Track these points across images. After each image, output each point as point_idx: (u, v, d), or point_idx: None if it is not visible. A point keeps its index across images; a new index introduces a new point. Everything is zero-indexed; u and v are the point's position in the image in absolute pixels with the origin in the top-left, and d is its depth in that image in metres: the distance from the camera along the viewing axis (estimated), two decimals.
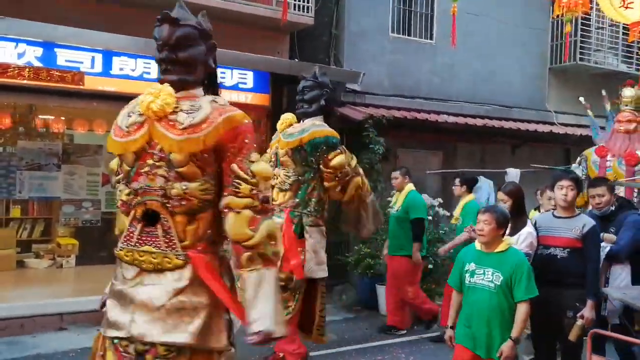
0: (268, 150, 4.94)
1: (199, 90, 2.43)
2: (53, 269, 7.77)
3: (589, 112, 6.79)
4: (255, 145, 2.37)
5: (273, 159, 4.75)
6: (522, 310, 3.42)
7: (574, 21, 10.34)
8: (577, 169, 6.49)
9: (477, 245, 3.64)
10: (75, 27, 5.55)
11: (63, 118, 8.02)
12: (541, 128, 9.63)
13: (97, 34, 5.65)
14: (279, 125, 4.79)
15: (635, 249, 4.25)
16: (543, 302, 3.88)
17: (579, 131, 9.91)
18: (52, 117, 8.06)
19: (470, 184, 6.23)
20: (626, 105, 6.19)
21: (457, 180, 6.32)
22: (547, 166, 8.85)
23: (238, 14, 6.84)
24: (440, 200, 7.61)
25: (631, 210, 4.56)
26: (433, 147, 9.43)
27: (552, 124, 10.19)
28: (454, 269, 3.75)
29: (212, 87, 2.54)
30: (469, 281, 3.57)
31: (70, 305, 6.19)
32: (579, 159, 6.51)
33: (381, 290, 7.10)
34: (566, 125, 10.32)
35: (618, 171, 6.00)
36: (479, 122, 9.02)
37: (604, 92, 6.52)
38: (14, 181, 6.39)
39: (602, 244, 4.12)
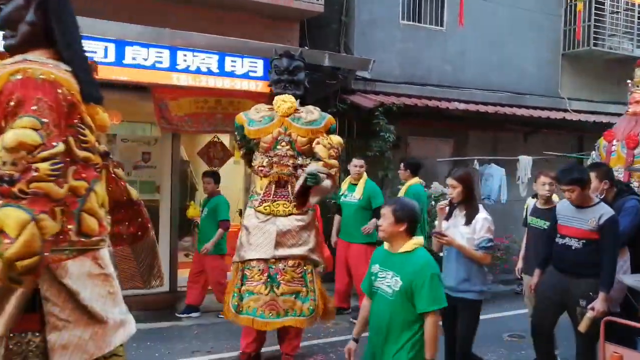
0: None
1: (31, 54, 2.08)
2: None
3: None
4: (35, 108, 1.90)
5: (285, 144, 4.33)
6: (429, 324, 2.83)
7: (587, 5, 10.24)
8: (591, 156, 6.43)
9: (386, 244, 3.10)
10: (89, 18, 5.61)
11: None
12: (554, 115, 9.54)
13: (110, 24, 5.70)
14: (281, 107, 4.37)
15: (635, 234, 4.16)
16: (559, 290, 3.92)
17: (592, 118, 9.82)
18: None
19: (414, 168, 6.31)
20: (637, 86, 6.06)
21: (401, 164, 6.40)
22: (559, 153, 8.82)
23: (248, 2, 6.86)
24: None
25: (630, 195, 4.40)
26: (444, 134, 9.40)
27: (565, 110, 10.10)
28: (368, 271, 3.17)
29: (51, 42, 2.18)
30: (374, 285, 3.04)
31: None
32: (595, 145, 6.44)
33: None
34: (579, 112, 10.23)
35: (621, 155, 5.87)
36: (490, 109, 8.97)
37: (629, 82, 6.33)
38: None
39: None
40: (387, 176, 7.86)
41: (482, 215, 3.77)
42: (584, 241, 3.80)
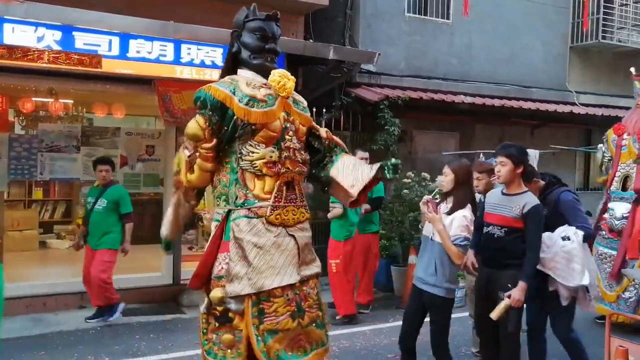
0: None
1: None
2: (74, 250, 7.94)
3: (638, 85, 6.23)
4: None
5: (292, 135, 3.25)
6: None
7: None
8: (599, 150, 6.36)
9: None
10: (93, 11, 5.61)
11: (82, 100, 8.15)
12: (561, 108, 9.47)
13: (114, 17, 5.69)
14: (285, 85, 3.23)
15: None
16: (483, 283, 3.84)
17: (600, 111, 9.74)
18: (72, 100, 8.19)
19: None
20: None
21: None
22: (566, 147, 8.74)
23: None
24: None
25: (561, 187, 4.08)
26: (450, 128, 9.35)
27: (572, 104, 10.02)
28: None
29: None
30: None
31: None
32: (603, 138, 6.38)
33: (395, 272, 7.15)
34: (587, 105, 10.14)
35: (632, 150, 5.76)
36: (497, 102, 8.91)
37: (633, 70, 6.26)
38: (35, 163, 6.52)
39: (572, 230, 3.80)
40: None
41: (462, 212, 3.74)
42: (506, 229, 3.67)
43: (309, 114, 3.45)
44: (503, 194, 3.80)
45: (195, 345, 5.20)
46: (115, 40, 5.75)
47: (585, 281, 3.75)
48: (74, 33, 5.59)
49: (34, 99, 7.58)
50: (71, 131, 6.88)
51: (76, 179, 7.44)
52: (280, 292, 3.09)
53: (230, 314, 3.03)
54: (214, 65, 6.21)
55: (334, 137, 3.49)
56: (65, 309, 6.09)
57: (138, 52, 5.87)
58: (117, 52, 5.78)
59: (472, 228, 3.75)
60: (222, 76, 3.27)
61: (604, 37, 10.23)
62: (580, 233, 3.78)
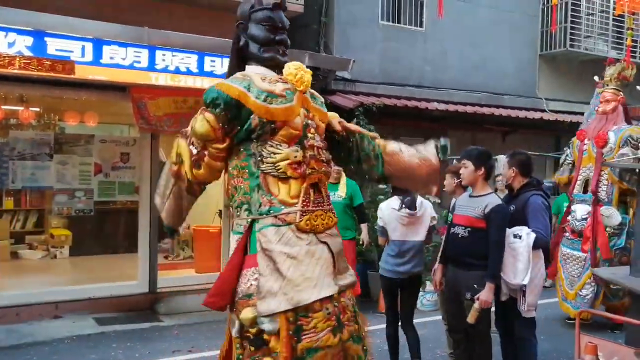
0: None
1: None
2: (47, 260, 7.81)
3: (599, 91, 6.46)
4: None
5: (314, 132, 2.92)
6: None
7: (564, 7, 10.43)
8: (564, 153, 6.63)
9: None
10: (65, 16, 5.57)
11: (54, 107, 8.03)
12: (532, 115, 9.71)
13: (87, 23, 5.65)
14: (303, 78, 2.92)
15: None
16: (450, 284, 3.95)
17: (569, 118, 10.00)
18: (43, 107, 8.06)
19: None
20: (607, 85, 6.19)
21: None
22: (537, 153, 8.95)
23: (227, 1, 6.84)
24: None
25: (536, 190, 4.13)
26: (424, 134, 9.45)
27: (542, 110, 10.26)
28: None
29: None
30: None
31: (65, 294, 6.26)
32: (570, 143, 6.60)
33: (372, 277, 7.20)
34: (556, 112, 10.41)
35: (592, 154, 5.98)
36: (469, 109, 9.08)
37: (596, 78, 6.50)
38: (7, 171, 6.41)
39: (526, 229, 3.86)
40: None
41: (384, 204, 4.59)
42: (470, 229, 3.76)
43: (326, 110, 3.16)
44: (469, 196, 3.93)
45: (172, 352, 5.18)
46: (89, 46, 5.70)
47: (525, 281, 3.81)
48: (45, 39, 5.53)
49: (4, 106, 7.45)
50: (43, 139, 6.79)
51: (49, 187, 7.33)
52: (320, 306, 2.76)
53: (265, 336, 2.68)
54: (188, 72, 6.21)
55: (349, 125, 3.25)
56: (40, 319, 5.97)
57: (112, 58, 5.83)
58: (91, 58, 5.73)
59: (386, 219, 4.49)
60: (229, 74, 2.96)
61: (571, 46, 10.53)
62: (532, 235, 3.84)
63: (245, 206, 2.79)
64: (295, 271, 2.72)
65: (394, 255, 4.42)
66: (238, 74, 2.89)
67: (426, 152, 3.21)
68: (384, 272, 4.51)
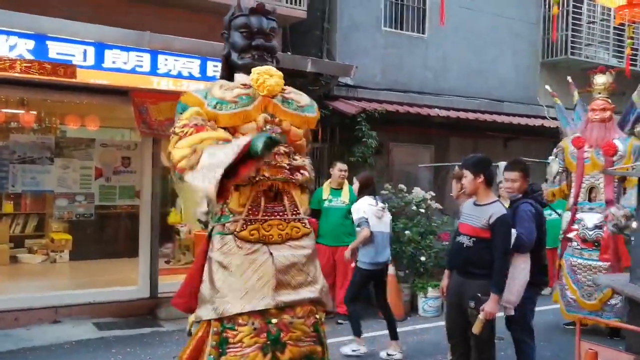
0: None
1: None
2: (47, 264, 7.77)
3: (557, 101, 6.83)
4: None
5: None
6: None
7: (565, 15, 10.45)
8: (554, 161, 6.38)
9: None
10: (67, 20, 5.56)
11: (56, 111, 8.02)
12: (533, 122, 9.69)
13: (89, 27, 5.64)
14: (265, 83, 2.91)
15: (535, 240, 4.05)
16: (454, 290, 3.93)
17: None
18: (44, 111, 8.04)
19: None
20: (599, 93, 6.17)
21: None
22: (537, 159, 8.93)
23: (230, 7, 6.86)
24: (432, 193, 7.66)
25: (527, 198, 4.23)
26: (425, 141, 9.47)
27: (543, 117, 10.25)
28: None
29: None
30: None
31: (64, 298, 6.22)
32: (555, 150, 6.46)
33: None
34: (557, 119, 10.38)
35: (596, 162, 5.94)
36: (470, 116, 9.07)
37: (569, 79, 6.51)
38: (7, 175, 6.38)
39: (512, 230, 3.86)
40: None
41: (358, 204, 5.18)
42: (475, 239, 3.75)
43: (311, 114, 3.06)
44: (474, 204, 3.91)
45: (172, 358, 5.12)
46: (90, 50, 5.69)
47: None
48: (47, 42, 5.52)
49: (4, 110, 7.44)
50: (44, 142, 6.77)
51: (49, 191, 7.30)
52: (246, 320, 2.69)
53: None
54: (191, 77, 6.19)
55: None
56: (38, 324, 5.92)
57: (114, 62, 5.81)
58: (92, 62, 5.71)
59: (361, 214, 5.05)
60: None
61: (572, 53, 10.54)
62: (515, 236, 3.87)
63: (213, 212, 2.94)
64: (224, 281, 2.74)
65: (375, 247, 5.09)
66: (208, 84, 3.12)
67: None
68: (366, 266, 5.14)
